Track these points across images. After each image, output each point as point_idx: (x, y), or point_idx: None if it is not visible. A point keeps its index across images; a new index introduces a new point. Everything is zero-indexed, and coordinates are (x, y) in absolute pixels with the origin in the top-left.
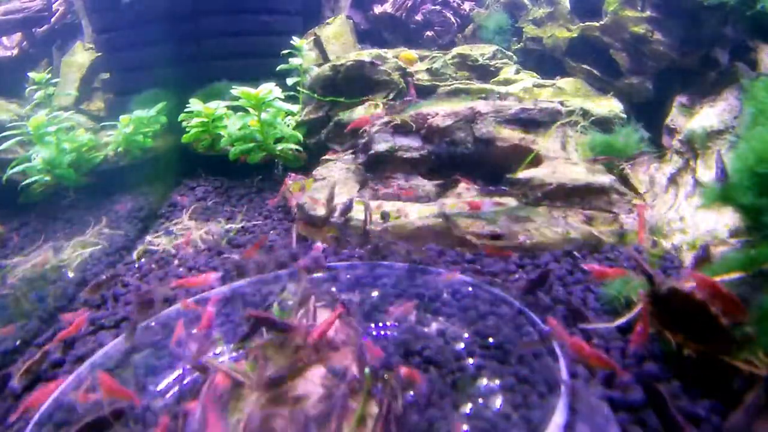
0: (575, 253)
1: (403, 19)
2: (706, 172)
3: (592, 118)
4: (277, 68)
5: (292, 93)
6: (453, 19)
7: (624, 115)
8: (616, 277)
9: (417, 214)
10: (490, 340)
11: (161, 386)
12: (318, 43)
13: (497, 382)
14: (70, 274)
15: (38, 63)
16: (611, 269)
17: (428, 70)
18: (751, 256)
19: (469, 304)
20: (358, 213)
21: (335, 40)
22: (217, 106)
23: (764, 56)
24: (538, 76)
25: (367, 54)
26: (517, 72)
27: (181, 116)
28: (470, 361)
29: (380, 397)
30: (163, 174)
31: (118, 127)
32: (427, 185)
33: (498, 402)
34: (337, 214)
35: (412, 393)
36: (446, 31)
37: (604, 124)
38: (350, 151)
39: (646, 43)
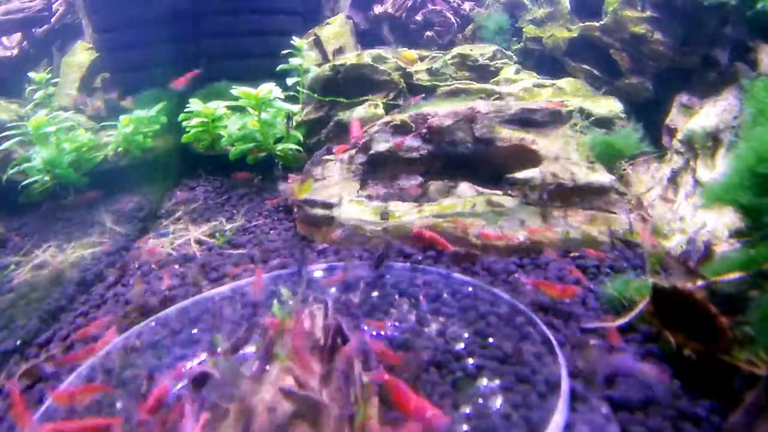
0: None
1: (403, 19)
2: (706, 172)
3: (592, 118)
4: (277, 68)
5: (292, 93)
6: (453, 19)
7: (624, 115)
8: None
9: (417, 214)
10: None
11: None
12: (318, 43)
13: (497, 381)
14: (70, 274)
15: (38, 63)
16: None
17: (428, 70)
18: (751, 256)
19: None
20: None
21: (335, 40)
22: (217, 106)
23: (764, 56)
24: (538, 76)
25: (367, 54)
26: (517, 72)
27: (181, 116)
28: (470, 360)
29: None
30: (163, 174)
31: (118, 127)
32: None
33: (498, 402)
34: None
35: None
36: (446, 31)
37: (604, 124)
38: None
39: (646, 43)
